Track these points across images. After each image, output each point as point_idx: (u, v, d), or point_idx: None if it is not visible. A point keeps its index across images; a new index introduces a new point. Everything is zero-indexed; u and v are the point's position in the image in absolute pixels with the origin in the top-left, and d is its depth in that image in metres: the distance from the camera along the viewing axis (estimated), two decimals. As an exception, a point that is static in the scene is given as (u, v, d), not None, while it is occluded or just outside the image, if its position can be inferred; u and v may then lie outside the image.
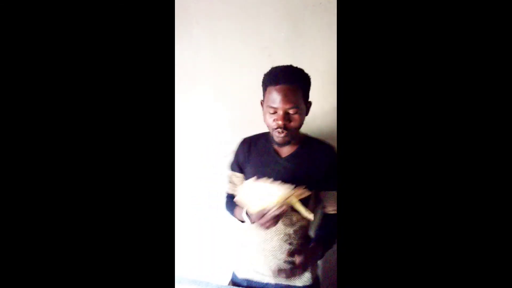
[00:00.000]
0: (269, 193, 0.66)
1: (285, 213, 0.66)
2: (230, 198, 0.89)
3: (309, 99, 0.76)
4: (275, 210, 0.63)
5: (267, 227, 0.68)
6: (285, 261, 0.79)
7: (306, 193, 0.66)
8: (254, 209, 0.68)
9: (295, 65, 1.06)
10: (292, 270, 0.72)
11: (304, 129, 1.09)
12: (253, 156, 0.84)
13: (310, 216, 0.66)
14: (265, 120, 0.75)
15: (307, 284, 0.82)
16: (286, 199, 0.64)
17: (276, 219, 0.66)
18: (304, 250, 0.79)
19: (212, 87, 1.06)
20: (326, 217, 0.83)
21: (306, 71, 1.05)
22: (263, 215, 0.66)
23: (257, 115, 1.02)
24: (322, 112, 1.07)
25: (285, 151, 0.80)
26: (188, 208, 1.19)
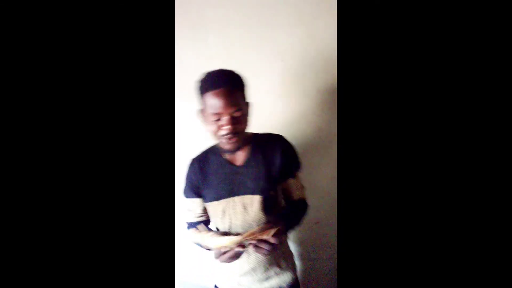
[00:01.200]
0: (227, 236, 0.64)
1: (245, 250, 0.63)
2: (192, 226, 0.83)
3: (247, 100, 0.74)
4: (235, 248, 0.62)
5: (229, 262, 0.66)
6: (270, 265, 0.78)
7: (270, 231, 0.61)
8: (213, 246, 0.66)
9: (309, 70, 1.06)
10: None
11: (317, 132, 1.08)
12: (208, 176, 0.77)
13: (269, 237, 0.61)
14: (208, 130, 0.70)
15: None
16: (247, 236, 0.61)
17: (237, 256, 0.64)
18: (282, 248, 0.79)
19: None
20: (290, 203, 0.82)
21: (320, 76, 1.05)
22: (223, 253, 0.64)
23: (270, 120, 1.03)
24: (335, 115, 1.07)
25: (239, 158, 0.76)
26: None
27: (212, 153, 0.80)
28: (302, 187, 0.82)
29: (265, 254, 0.63)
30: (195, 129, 1.12)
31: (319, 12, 1.01)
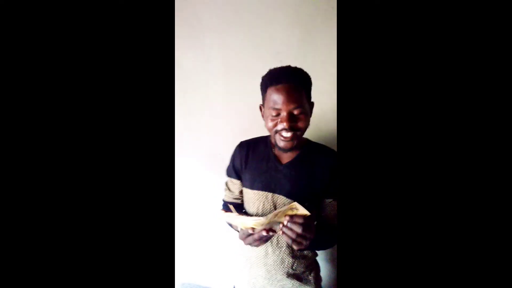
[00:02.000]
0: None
1: (274, 234, 0.61)
2: (226, 206, 0.83)
3: (312, 100, 0.72)
4: (263, 230, 0.59)
5: (256, 246, 0.63)
6: (288, 276, 0.76)
7: (300, 211, 0.57)
8: (240, 226, 0.63)
9: (307, 70, 1.05)
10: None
11: (316, 132, 1.08)
12: (251, 162, 0.77)
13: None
14: (266, 125, 0.69)
15: None
16: (277, 215, 0.57)
17: (264, 239, 0.62)
18: (306, 261, 0.78)
19: (224, 93, 1.08)
20: (322, 222, 0.77)
21: (319, 75, 1.04)
22: (250, 235, 0.61)
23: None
24: (334, 115, 1.06)
25: (286, 157, 0.75)
26: (191, 214, 1.19)
27: (263, 142, 0.79)
28: None
29: (294, 242, 0.56)
30: (191, 132, 1.12)
31: (317, 12, 1.01)
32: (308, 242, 0.56)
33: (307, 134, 1.01)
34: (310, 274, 0.79)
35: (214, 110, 1.10)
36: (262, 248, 0.75)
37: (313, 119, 1.08)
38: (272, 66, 1.01)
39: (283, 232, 0.56)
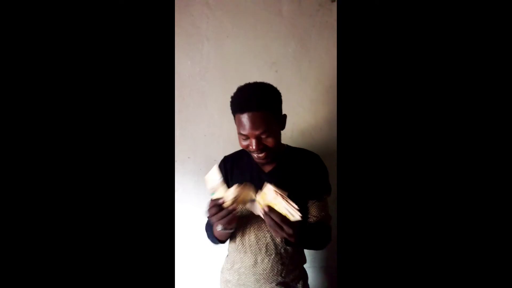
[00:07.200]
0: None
1: (236, 211, 0.62)
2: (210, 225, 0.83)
3: (283, 112, 0.75)
4: (229, 206, 0.60)
5: (223, 227, 0.63)
6: (278, 284, 0.76)
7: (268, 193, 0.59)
8: (216, 195, 0.64)
9: (302, 81, 1.07)
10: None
11: (310, 141, 1.10)
12: (236, 174, 0.80)
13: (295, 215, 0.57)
14: (240, 144, 0.73)
15: None
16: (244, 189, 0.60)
17: (230, 219, 0.61)
18: (295, 268, 0.78)
19: (221, 103, 1.09)
20: (307, 221, 0.79)
21: (313, 86, 1.07)
22: (216, 205, 0.61)
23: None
24: (328, 125, 1.09)
25: (269, 165, 0.78)
26: (188, 219, 1.19)
27: (246, 154, 0.81)
28: (330, 216, 0.79)
29: (272, 228, 0.59)
30: (188, 139, 1.13)
31: (312, 24, 1.04)
32: (285, 234, 0.58)
33: (301, 144, 1.02)
34: (298, 282, 0.80)
35: (211, 118, 1.12)
36: (251, 257, 0.76)
37: (307, 129, 1.10)
38: (268, 76, 1.03)
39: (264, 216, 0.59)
